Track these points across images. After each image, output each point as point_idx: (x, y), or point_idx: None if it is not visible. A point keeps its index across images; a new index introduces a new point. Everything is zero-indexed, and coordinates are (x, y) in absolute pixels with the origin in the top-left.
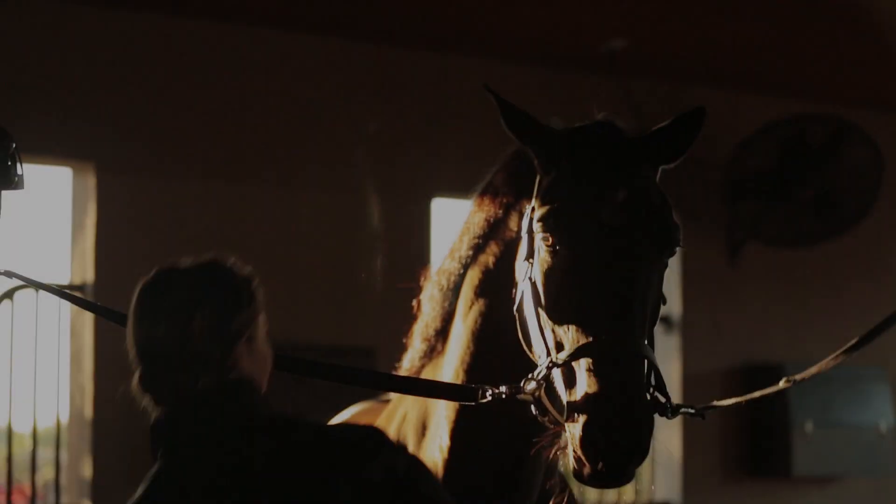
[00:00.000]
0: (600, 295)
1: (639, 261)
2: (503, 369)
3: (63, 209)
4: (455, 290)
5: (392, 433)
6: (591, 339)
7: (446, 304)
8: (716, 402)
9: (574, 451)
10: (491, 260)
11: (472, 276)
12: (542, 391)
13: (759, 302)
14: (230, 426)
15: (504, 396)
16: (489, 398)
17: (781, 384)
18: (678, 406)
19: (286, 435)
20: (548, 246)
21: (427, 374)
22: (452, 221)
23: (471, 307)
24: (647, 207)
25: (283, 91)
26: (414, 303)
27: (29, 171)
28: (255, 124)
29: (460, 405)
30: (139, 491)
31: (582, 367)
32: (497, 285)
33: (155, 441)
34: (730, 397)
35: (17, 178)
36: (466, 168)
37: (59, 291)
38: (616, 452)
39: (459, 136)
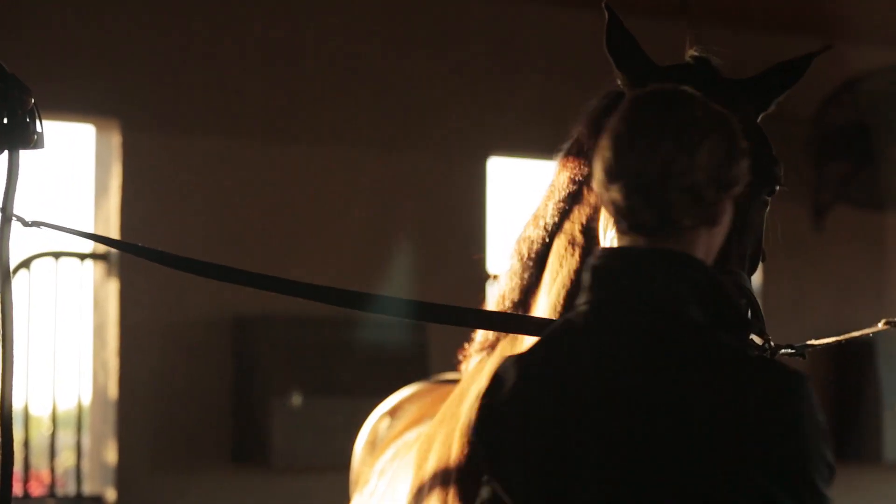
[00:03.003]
0: None
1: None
2: None
3: (86, 169)
4: (538, 260)
5: (465, 415)
6: None
7: (527, 276)
8: (814, 341)
9: None
10: (578, 226)
11: (559, 245)
12: None
13: (848, 270)
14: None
15: None
16: None
17: (881, 325)
18: (777, 347)
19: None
20: None
21: (503, 346)
22: (511, 183)
23: (555, 279)
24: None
25: (319, 42)
26: (491, 274)
27: (50, 129)
28: (290, 78)
29: None
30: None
31: None
32: (587, 254)
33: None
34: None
35: (36, 137)
36: (527, 124)
37: (97, 237)
38: None
39: (520, 90)
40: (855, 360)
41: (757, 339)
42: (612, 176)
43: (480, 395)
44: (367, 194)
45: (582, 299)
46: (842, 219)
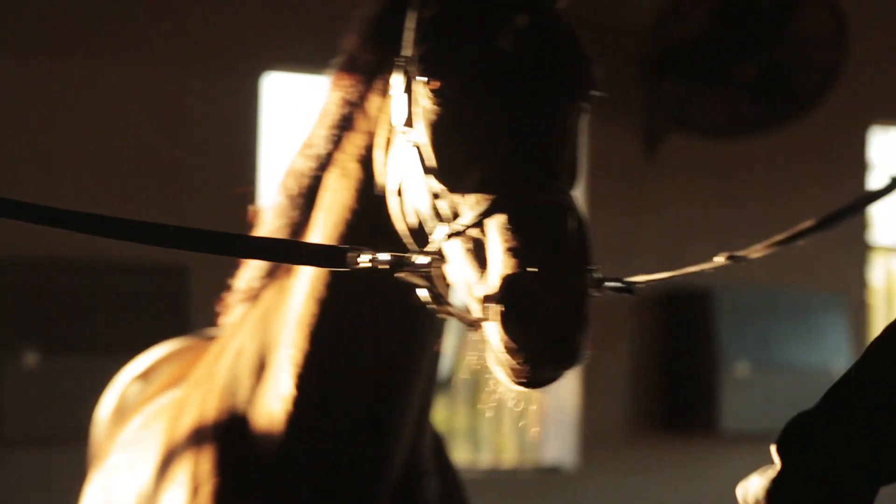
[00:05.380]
0: (507, 141)
1: (551, 98)
2: None
3: None
4: (308, 195)
5: (222, 377)
6: (503, 192)
7: (296, 214)
8: (645, 277)
9: (497, 335)
10: (352, 156)
11: (332, 179)
12: (438, 271)
13: (684, 204)
14: None
15: (383, 267)
16: (365, 264)
17: (720, 260)
18: (604, 280)
19: None
20: (433, 93)
21: (269, 296)
22: (292, 103)
23: (327, 217)
24: (556, 36)
25: None
26: (251, 211)
27: None
28: None
29: (311, 334)
30: None
31: (494, 230)
32: (365, 189)
33: None
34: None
35: None
36: (308, 33)
37: None
38: (558, 323)
39: None
40: (688, 310)
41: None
42: None
43: None
44: (137, 114)
45: None
46: (677, 146)
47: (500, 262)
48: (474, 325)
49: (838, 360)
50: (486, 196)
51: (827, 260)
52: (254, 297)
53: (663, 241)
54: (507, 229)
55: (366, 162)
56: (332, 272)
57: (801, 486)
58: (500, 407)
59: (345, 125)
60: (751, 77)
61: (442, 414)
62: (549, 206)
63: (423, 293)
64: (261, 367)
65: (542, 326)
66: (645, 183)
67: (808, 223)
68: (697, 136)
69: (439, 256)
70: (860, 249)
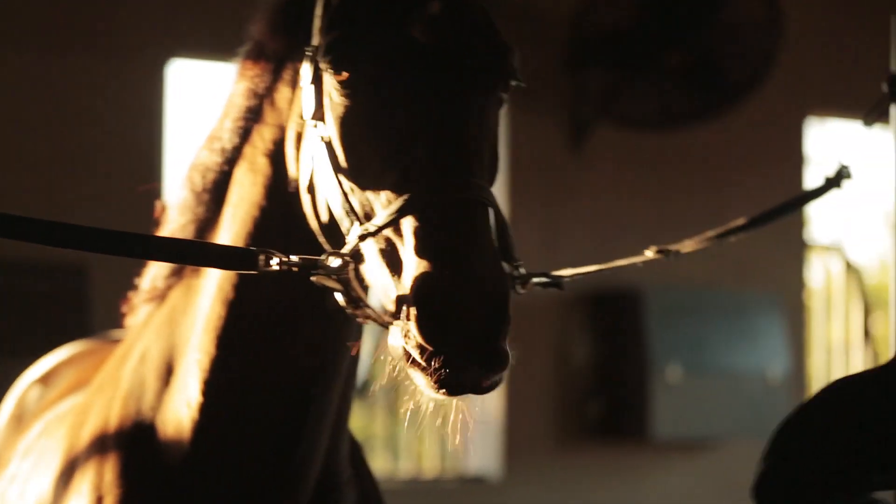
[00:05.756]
0: (421, 136)
1: (466, 89)
2: None
3: None
4: (215, 191)
5: (126, 382)
6: (418, 189)
7: (201, 211)
8: (572, 270)
9: (413, 338)
10: (261, 150)
11: (239, 174)
12: (353, 273)
13: (612, 202)
14: None
15: (295, 270)
16: (275, 267)
17: (649, 254)
18: (529, 275)
19: None
20: (342, 85)
21: (175, 297)
22: (199, 92)
23: (236, 215)
24: (472, 23)
25: None
26: (157, 207)
27: None
28: None
29: (219, 337)
30: None
31: (408, 229)
32: (275, 186)
33: None
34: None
35: None
36: (218, 19)
37: None
38: (476, 323)
39: None
40: (617, 310)
41: (505, 266)
42: None
43: None
44: (33, 103)
45: None
46: (605, 138)
47: (413, 263)
48: (391, 327)
49: (774, 363)
50: (400, 194)
51: (763, 258)
52: (160, 297)
53: (590, 236)
54: (421, 228)
55: (276, 157)
56: (240, 275)
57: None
58: (420, 413)
59: (253, 117)
60: (681, 66)
61: (360, 420)
62: (466, 202)
63: (338, 296)
64: (167, 372)
65: (460, 327)
66: (571, 176)
67: (740, 220)
68: (625, 128)
69: (353, 258)
70: (797, 248)
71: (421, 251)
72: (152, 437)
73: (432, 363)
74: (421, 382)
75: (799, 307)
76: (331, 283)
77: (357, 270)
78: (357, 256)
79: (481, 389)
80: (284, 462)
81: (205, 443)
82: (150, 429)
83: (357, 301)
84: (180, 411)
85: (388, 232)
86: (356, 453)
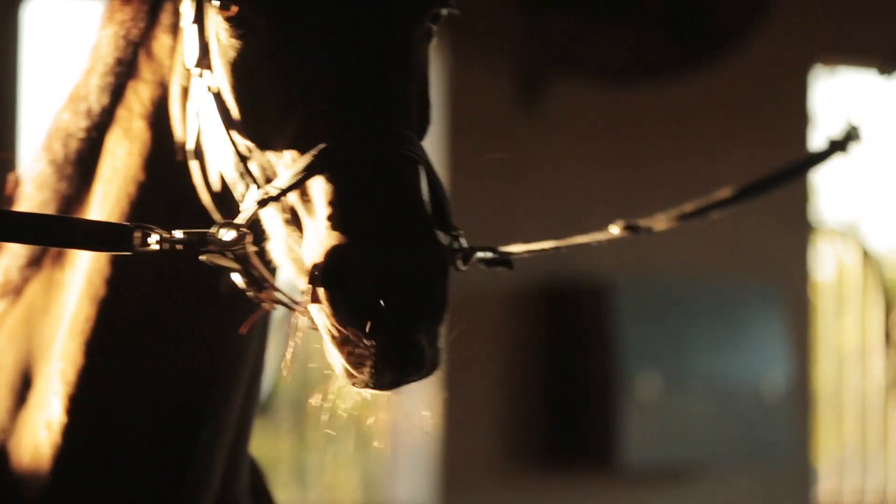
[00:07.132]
0: (330, 80)
1: (386, 18)
2: None
3: None
4: (82, 162)
5: None
6: (328, 144)
7: (65, 186)
8: (525, 246)
9: (330, 327)
10: (138, 111)
11: (113, 142)
12: (252, 249)
13: (572, 168)
14: None
15: (179, 247)
16: (155, 246)
17: (615, 230)
18: (472, 249)
19: None
20: (231, 22)
21: (33, 292)
22: (62, 39)
23: (110, 190)
24: None
25: None
26: (9, 181)
27: None
28: None
29: (88, 342)
30: None
31: (318, 192)
32: (156, 154)
33: None
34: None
35: None
36: None
37: None
38: (402, 307)
39: None
40: (579, 308)
41: (442, 237)
42: None
43: None
44: None
45: None
46: (564, 92)
47: (324, 233)
48: (301, 313)
49: (772, 373)
50: (307, 150)
51: (759, 242)
52: (14, 292)
53: (547, 211)
54: (334, 191)
55: (156, 120)
56: (112, 263)
57: None
58: (335, 434)
59: (126, 72)
60: (659, 7)
61: (262, 444)
62: (388, 157)
63: (235, 277)
64: (24, 386)
65: (381, 311)
66: (524, 137)
67: (726, 191)
68: (589, 80)
69: (252, 230)
70: (801, 230)
71: (332, 218)
72: (5, 464)
73: (348, 356)
74: (338, 367)
75: (803, 303)
76: (225, 262)
77: (260, 245)
78: (257, 227)
79: (405, 383)
80: (172, 490)
81: (70, 473)
82: (3, 455)
83: (259, 281)
84: (39, 434)
85: (293, 197)
86: (258, 481)
